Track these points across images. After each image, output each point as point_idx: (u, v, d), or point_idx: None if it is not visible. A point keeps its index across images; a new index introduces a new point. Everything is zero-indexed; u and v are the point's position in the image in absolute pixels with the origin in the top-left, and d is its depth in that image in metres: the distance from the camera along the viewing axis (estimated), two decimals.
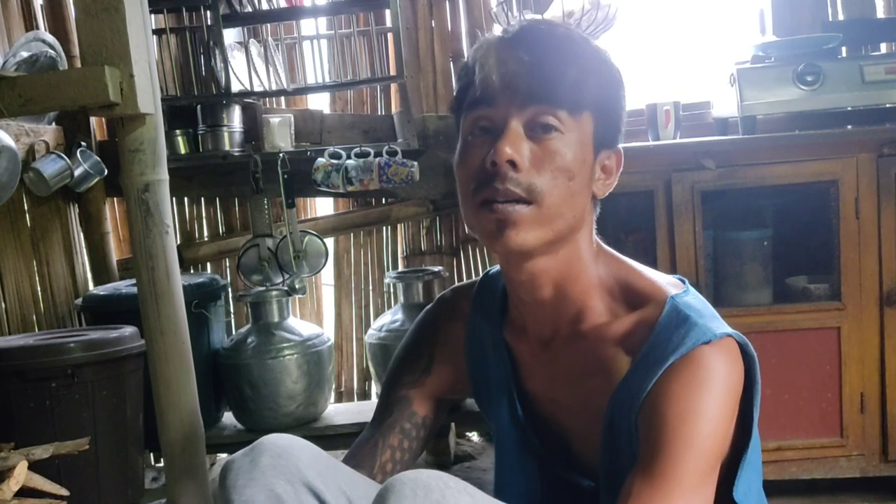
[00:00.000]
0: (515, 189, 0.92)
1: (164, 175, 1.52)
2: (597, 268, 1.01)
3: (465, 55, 1.05)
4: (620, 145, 1.02)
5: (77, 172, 2.55)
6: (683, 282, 1.03)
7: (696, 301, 0.98)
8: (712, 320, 0.94)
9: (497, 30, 1.03)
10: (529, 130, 0.93)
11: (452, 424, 2.67)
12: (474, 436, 2.92)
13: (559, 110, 0.92)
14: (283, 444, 0.99)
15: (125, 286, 2.50)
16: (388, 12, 2.64)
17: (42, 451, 1.64)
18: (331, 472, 1.00)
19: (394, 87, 2.83)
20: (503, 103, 0.93)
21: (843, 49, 2.46)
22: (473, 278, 1.23)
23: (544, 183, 0.92)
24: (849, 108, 2.14)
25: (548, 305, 1.02)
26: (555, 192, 0.92)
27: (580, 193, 0.95)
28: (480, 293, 1.16)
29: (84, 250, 2.85)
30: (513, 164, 0.91)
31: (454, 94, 1.03)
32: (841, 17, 2.64)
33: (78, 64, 2.63)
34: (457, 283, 1.25)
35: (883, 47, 2.59)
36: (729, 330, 0.94)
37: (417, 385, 1.18)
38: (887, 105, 2.13)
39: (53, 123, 2.68)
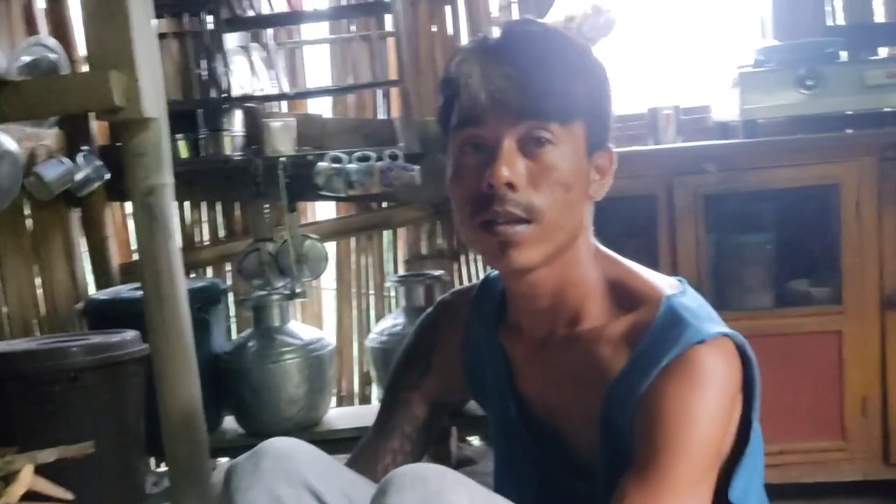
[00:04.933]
0: (515, 210, 0.91)
1: (169, 179, 1.52)
2: (595, 270, 1.00)
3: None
4: (612, 145, 1.00)
5: (78, 177, 2.55)
6: (682, 282, 1.02)
7: (692, 301, 0.97)
8: (707, 321, 0.94)
9: (476, 37, 1.00)
10: (523, 146, 0.92)
11: (454, 429, 2.66)
12: (476, 440, 2.92)
13: (551, 123, 0.91)
14: (284, 448, 0.99)
15: (126, 290, 2.50)
16: (389, 17, 2.64)
17: (48, 455, 1.64)
18: (332, 474, 1.01)
19: (395, 91, 2.84)
20: (493, 121, 0.92)
21: (844, 53, 2.47)
22: (474, 282, 1.22)
23: (543, 200, 0.91)
24: (849, 112, 2.15)
25: (546, 311, 1.02)
26: (554, 208, 0.92)
27: (578, 202, 0.95)
28: (480, 296, 1.16)
29: (85, 255, 2.84)
30: (510, 185, 0.91)
31: (439, 107, 1.01)
32: (841, 21, 2.65)
33: (80, 68, 2.63)
34: (458, 287, 1.26)
35: (883, 51, 2.60)
36: (725, 329, 0.93)
37: (417, 388, 1.17)
38: (888, 109, 2.14)
39: (55, 128, 2.68)
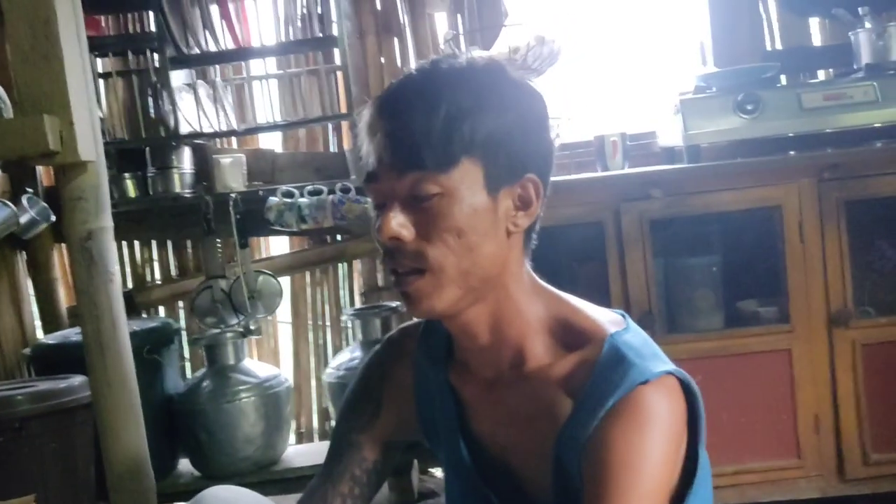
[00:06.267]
0: (406, 261, 0.93)
1: (108, 223, 1.50)
2: (534, 307, 1.00)
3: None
4: (533, 173, 0.96)
5: (23, 220, 2.49)
6: (625, 317, 1.02)
7: (635, 339, 0.96)
8: (651, 359, 0.93)
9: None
10: (411, 200, 0.92)
11: (415, 461, 2.64)
12: (437, 472, 2.89)
13: (433, 173, 0.91)
14: (225, 497, 0.98)
15: (75, 334, 2.45)
16: (337, 51, 2.65)
17: None
18: None
19: (345, 124, 2.84)
20: (382, 178, 0.94)
21: (783, 77, 2.53)
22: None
23: (432, 249, 0.92)
24: (789, 135, 2.18)
25: (487, 348, 1.01)
26: (447, 254, 0.92)
27: (481, 243, 0.93)
28: (427, 333, 1.14)
29: (32, 298, 2.79)
30: (397, 238, 0.92)
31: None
32: (779, 46, 2.72)
33: None
34: (404, 323, 1.24)
35: (821, 74, 2.67)
36: (669, 367, 0.93)
37: (367, 429, 1.15)
38: (827, 131, 2.17)
39: None
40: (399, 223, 0.92)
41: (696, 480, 0.95)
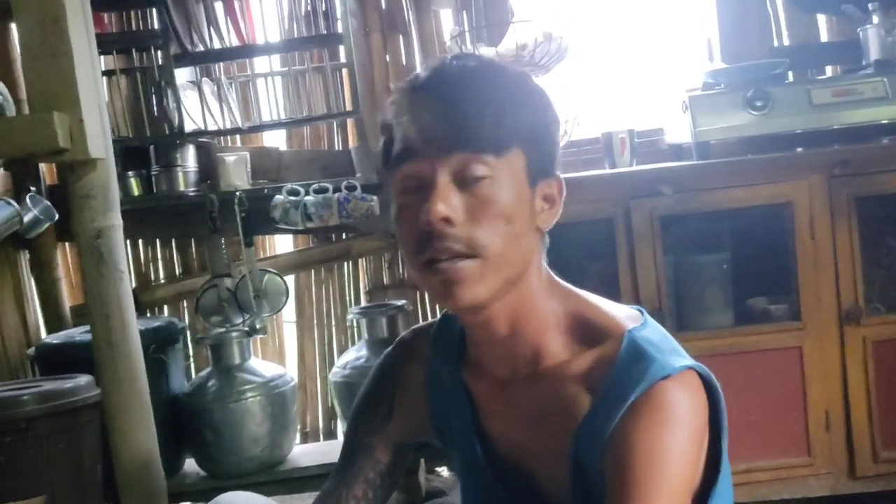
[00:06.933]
0: (455, 245, 0.88)
1: (118, 220, 1.49)
2: (551, 303, 0.98)
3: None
4: (559, 173, 0.98)
5: (27, 218, 2.48)
6: (642, 313, 1.01)
7: (654, 334, 0.95)
8: (671, 354, 0.92)
9: (410, 75, 0.98)
10: (459, 180, 0.89)
11: (422, 460, 2.63)
12: (444, 471, 2.88)
13: (484, 155, 0.89)
14: (239, 503, 0.96)
15: (79, 333, 2.44)
16: (342, 48, 2.64)
17: None
18: None
19: (351, 121, 2.83)
20: (427, 156, 0.89)
21: (790, 74, 2.52)
22: (435, 315, 1.20)
23: (484, 233, 0.89)
24: (799, 131, 2.18)
25: (504, 345, 0.99)
26: (497, 241, 0.89)
27: (523, 234, 0.92)
28: (440, 333, 1.12)
29: (36, 298, 2.77)
30: (447, 220, 0.88)
31: (380, 149, 0.98)
32: (786, 42, 2.71)
33: (25, 108, 2.58)
34: (417, 324, 1.22)
35: (829, 70, 2.66)
36: (690, 362, 0.92)
37: (380, 432, 1.14)
38: (836, 127, 2.16)
39: (1, 169, 2.61)
40: (451, 204, 0.88)
41: (720, 477, 0.95)
